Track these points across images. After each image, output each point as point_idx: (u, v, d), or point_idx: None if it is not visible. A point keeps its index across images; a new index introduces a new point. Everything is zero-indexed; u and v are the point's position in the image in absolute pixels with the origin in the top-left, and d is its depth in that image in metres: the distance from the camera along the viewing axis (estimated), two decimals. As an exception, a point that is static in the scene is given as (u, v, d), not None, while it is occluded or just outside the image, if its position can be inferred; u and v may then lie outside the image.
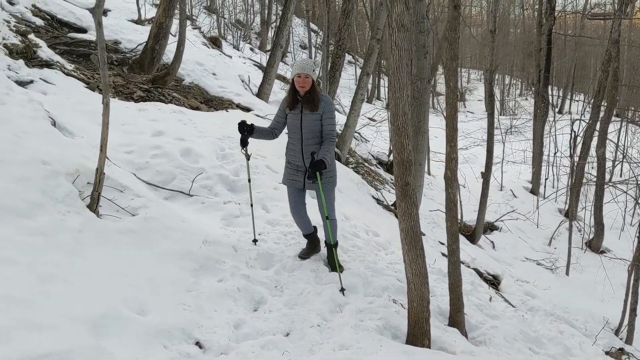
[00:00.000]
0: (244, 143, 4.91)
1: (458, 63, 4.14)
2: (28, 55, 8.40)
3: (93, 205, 4.39)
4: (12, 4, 10.21)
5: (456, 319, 4.54)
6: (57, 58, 9.04)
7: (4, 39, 8.13)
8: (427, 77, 7.26)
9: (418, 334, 3.83)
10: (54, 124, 5.75)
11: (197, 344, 3.36)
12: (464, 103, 34.97)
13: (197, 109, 10.26)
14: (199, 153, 6.83)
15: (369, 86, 25.75)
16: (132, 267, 3.82)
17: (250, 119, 6.17)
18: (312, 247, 5.21)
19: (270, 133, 4.97)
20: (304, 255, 5.11)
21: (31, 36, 9.11)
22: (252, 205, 5.42)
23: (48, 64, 8.52)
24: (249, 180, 5.39)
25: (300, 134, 4.71)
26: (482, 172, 10.70)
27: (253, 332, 3.67)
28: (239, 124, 4.87)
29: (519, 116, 28.74)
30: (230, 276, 4.39)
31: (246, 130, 4.84)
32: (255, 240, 5.22)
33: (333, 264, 4.89)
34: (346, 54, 20.58)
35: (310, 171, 4.36)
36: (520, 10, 35.86)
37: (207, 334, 3.47)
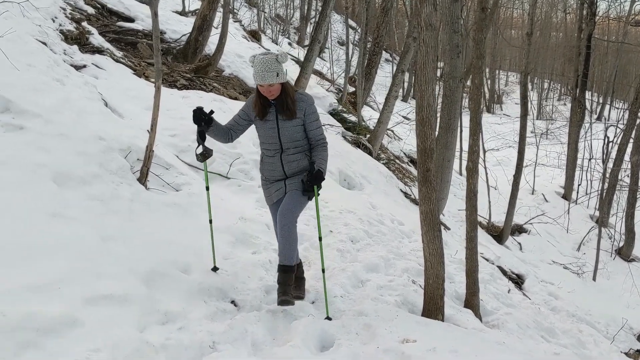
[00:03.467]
0: (202, 138, 3.85)
1: (484, 62, 4.43)
2: (81, 41, 8.95)
3: (142, 179, 4.85)
4: (66, -8, 10.81)
5: (471, 302, 4.84)
6: (107, 45, 9.59)
7: (60, 25, 8.69)
8: (460, 76, 7.51)
9: (432, 309, 4.15)
10: (106, 105, 6.24)
11: (233, 302, 3.77)
12: (501, 106, 34.78)
13: (235, 99, 10.70)
14: (238, 141, 7.23)
15: (405, 84, 25.93)
16: (177, 235, 4.26)
17: (209, 106, 5.08)
18: (298, 284, 4.14)
19: (226, 134, 4.00)
20: (289, 299, 3.73)
21: (84, 23, 9.69)
22: (210, 221, 4.24)
23: (99, 51, 9.06)
24: (207, 189, 4.24)
25: (279, 144, 3.85)
26: (513, 175, 10.87)
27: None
28: (195, 111, 3.85)
29: (555, 120, 28.48)
30: (263, 250, 4.79)
31: (204, 121, 3.81)
32: (215, 268, 4.12)
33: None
34: (384, 52, 20.84)
35: (307, 184, 3.71)
36: (563, 14, 35.37)
37: (241, 295, 3.87)
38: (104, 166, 4.44)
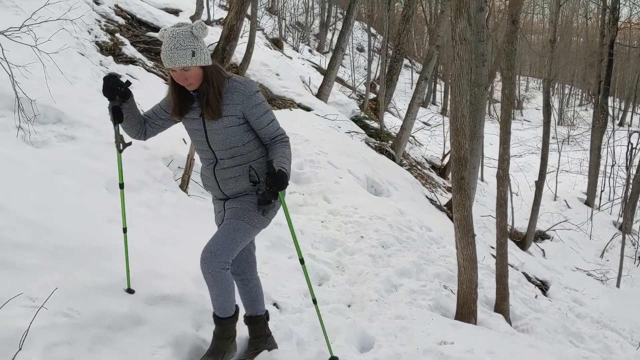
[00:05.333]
0: (117, 117, 2.81)
1: (514, 72, 4.58)
2: (115, 52, 9.25)
3: (184, 186, 5.08)
4: (97, 3, 11.14)
5: (502, 307, 4.97)
6: (139, 55, 9.89)
7: (96, 36, 9.00)
8: (485, 84, 7.65)
9: (465, 314, 4.30)
10: (144, 114, 6.49)
11: (275, 304, 3.95)
12: (521, 111, 34.66)
13: (261, 107, 10.93)
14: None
15: (425, 91, 26.03)
16: (218, 239, 4.46)
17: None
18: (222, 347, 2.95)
19: (139, 124, 2.94)
20: None
21: (117, 34, 10.00)
22: (124, 230, 3.17)
23: (132, 61, 9.35)
24: (121, 187, 3.19)
25: (211, 153, 2.87)
26: (535, 181, 10.93)
27: (320, 300, 4.20)
28: (106, 79, 2.77)
29: (577, 126, 28.35)
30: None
31: (119, 93, 2.76)
32: (130, 290, 3.09)
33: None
34: (404, 58, 21.01)
35: (267, 191, 2.62)
36: (584, 19, 35.20)
37: (283, 297, 4.05)
38: (149, 174, 4.67)
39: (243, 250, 3.06)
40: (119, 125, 2.85)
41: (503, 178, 4.87)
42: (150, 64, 9.89)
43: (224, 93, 2.70)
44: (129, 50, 9.73)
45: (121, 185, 3.16)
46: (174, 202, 4.55)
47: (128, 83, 2.79)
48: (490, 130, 17.79)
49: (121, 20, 11.27)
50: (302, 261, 3.08)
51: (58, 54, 5.26)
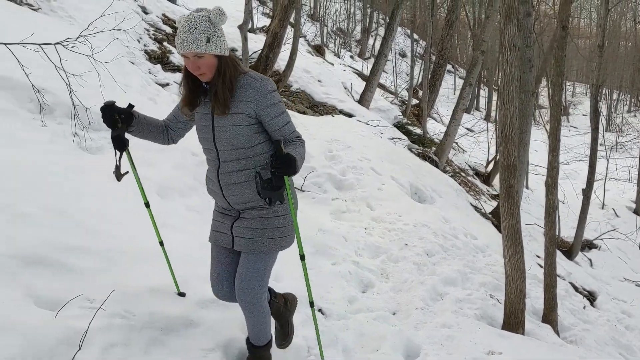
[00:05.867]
0: (120, 146, 2.74)
1: (564, 79, 4.49)
2: (163, 60, 9.49)
3: (230, 192, 5.16)
4: (145, 12, 11.45)
5: (550, 318, 4.86)
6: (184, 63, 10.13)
7: (145, 45, 9.26)
8: (531, 90, 7.51)
9: (513, 324, 4.22)
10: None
11: (320, 310, 3.97)
12: (568, 117, 33.81)
13: (304, 113, 11.03)
14: (309, 153, 7.49)
15: (469, 96, 25.69)
16: (264, 245, 4.52)
17: (132, 99, 4.36)
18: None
19: (161, 132, 2.88)
20: None
21: (165, 43, 10.27)
22: (161, 243, 3.19)
23: (179, 69, 9.56)
24: (147, 205, 3.11)
25: (215, 152, 2.65)
26: (583, 189, 10.65)
27: (364, 307, 4.23)
28: (103, 109, 2.65)
29: (625, 133, 27.48)
30: (342, 261, 4.97)
31: (120, 121, 2.67)
32: (181, 294, 3.21)
33: None
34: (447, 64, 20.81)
35: (272, 174, 2.33)
36: (632, 23, 34.11)
37: (327, 303, 4.07)
38: (197, 179, 4.77)
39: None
40: (122, 153, 2.76)
41: (552, 186, 4.77)
42: (195, 71, 10.12)
43: (238, 88, 2.51)
44: (176, 58, 9.96)
45: (147, 204, 3.10)
46: (221, 207, 4.64)
47: (130, 107, 2.69)
48: (535, 137, 17.45)
49: (168, 29, 11.56)
50: (302, 257, 2.80)
51: (111, 63, 5.45)
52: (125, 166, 2.86)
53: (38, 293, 2.61)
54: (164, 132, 2.87)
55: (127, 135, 2.74)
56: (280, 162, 2.29)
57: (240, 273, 2.67)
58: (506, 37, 3.85)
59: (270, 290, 3.14)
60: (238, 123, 2.53)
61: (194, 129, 2.84)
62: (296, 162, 2.33)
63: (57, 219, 3.19)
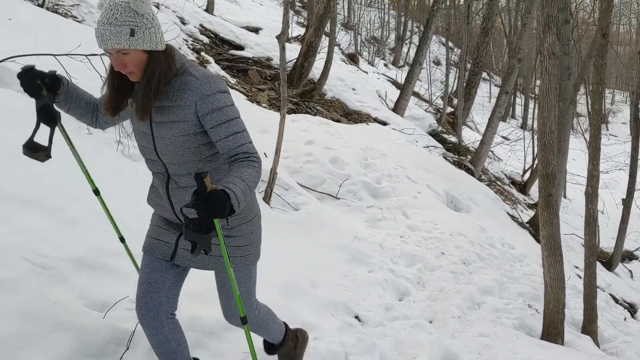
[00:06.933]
0: (48, 116, 2.22)
1: (604, 87, 4.43)
2: (201, 69, 9.70)
3: (267, 198, 5.25)
4: (184, 23, 11.71)
5: (589, 329, 4.78)
6: (222, 73, 10.31)
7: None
8: (570, 98, 7.41)
9: (552, 334, 4.17)
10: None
11: (357, 317, 3.99)
12: (607, 126, 33.02)
13: (338, 121, 11.08)
14: (344, 161, 7.53)
15: (505, 104, 25.38)
16: (301, 250, 4.58)
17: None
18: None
19: (91, 111, 2.39)
20: None
21: (203, 53, 10.49)
22: (121, 238, 2.78)
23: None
24: (96, 192, 2.65)
25: (161, 165, 2.21)
26: (623, 199, 10.40)
27: (401, 315, 4.24)
28: (21, 74, 2.16)
29: (669, 141, 26.61)
30: (378, 269, 4.99)
31: (45, 88, 2.19)
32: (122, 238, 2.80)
33: None
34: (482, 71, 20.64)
35: (195, 222, 1.81)
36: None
37: (364, 311, 4.09)
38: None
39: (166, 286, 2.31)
40: (53, 129, 2.24)
41: (592, 196, 4.70)
42: (232, 80, 10.28)
43: (175, 91, 2.05)
44: (213, 67, 10.16)
45: (95, 192, 2.61)
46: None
47: (53, 73, 2.20)
48: (573, 145, 17.10)
49: (205, 39, 11.80)
50: (244, 320, 2.26)
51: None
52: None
53: (88, 295, 2.71)
54: (93, 112, 2.39)
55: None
56: (202, 202, 1.76)
57: (221, 300, 2.44)
58: (545, 46, 3.82)
59: (286, 327, 2.85)
60: (180, 133, 2.08)
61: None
62: (226, 201, 1.77)
63: (104, 223, 3.30)
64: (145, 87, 2.02)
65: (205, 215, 1.77)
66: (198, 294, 3.13)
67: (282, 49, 4.98)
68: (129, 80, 2.08)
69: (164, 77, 2.04)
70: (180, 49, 9.28)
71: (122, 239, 2.75)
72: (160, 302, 2.24)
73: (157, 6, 10.37)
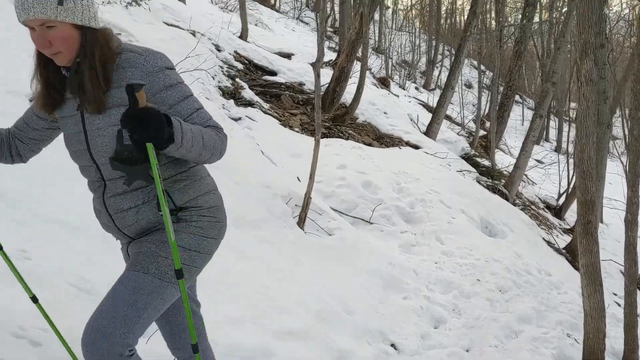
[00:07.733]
0: None
1: (643, 112, 4.38)
2: (235, 95, 9.88)
3: (300, 223, 5.29)
4: (219, 50, 11.97)
5: (631, 359, 4.64)
6: (256, 98, 10.48)
7: (219, 82, 9.68)
8: (607, 122, 7.30)
9: (593, 365, 4.06)
10: (262, 154, 6.87)
11: (392, 345, 3.98)
12: (644, 148, 32.19)
13: (370, 145, 11.12)
14: (377, 185, 7.54)
15: (539, 128, 25.08)
16: (335, 275, 4.59)
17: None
18: None
19: (4, 146, 1.98)
20: None
21: (237, 79, 10.69)
22: (34, 298, 2.12)
23: (250, 104, 9.92)
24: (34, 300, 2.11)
25: (93, 167, 1.81)
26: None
27: (437, 344, 4.20)
28: None
29: None
30: (413, 295, 4.96)
31: None
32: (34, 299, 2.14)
33: None
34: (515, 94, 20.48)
35: (129, 149, 1.57)
36: None
37: (400, 339, 4.07)
38: (270, 211, 4.92)
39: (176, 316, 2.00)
40: None
41: (632, 223, 4.61)
42: (266, 105, 10.44)
43: (114, 70, 1.72)
44: (247, 93, 10.34)
45: (33, 299, 2.11)
46: (292, 239, 4.76)
47: None
48: (610, 169, 16.75)
49: (240, 66, 12.02)
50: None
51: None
52: None
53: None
54: (8, 145, 1.98)
55: None
56: (132, 118, 1.50)
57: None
58: (583, 72, 3.81)
59: None
60: (119, 120, 1.58)
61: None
62: (163, 122, 1.51)
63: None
64: (91, 71, 1.66)
65: (136, 135, 1.49)
66: (235, 319, 3.18)
67: (317, 76, 5.07)
68: (56, 67, 1.73)
69: (106, 56, 1.70)
70: (215, 75, 9.48)
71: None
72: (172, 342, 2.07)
73: (194, 34, 10.64)
